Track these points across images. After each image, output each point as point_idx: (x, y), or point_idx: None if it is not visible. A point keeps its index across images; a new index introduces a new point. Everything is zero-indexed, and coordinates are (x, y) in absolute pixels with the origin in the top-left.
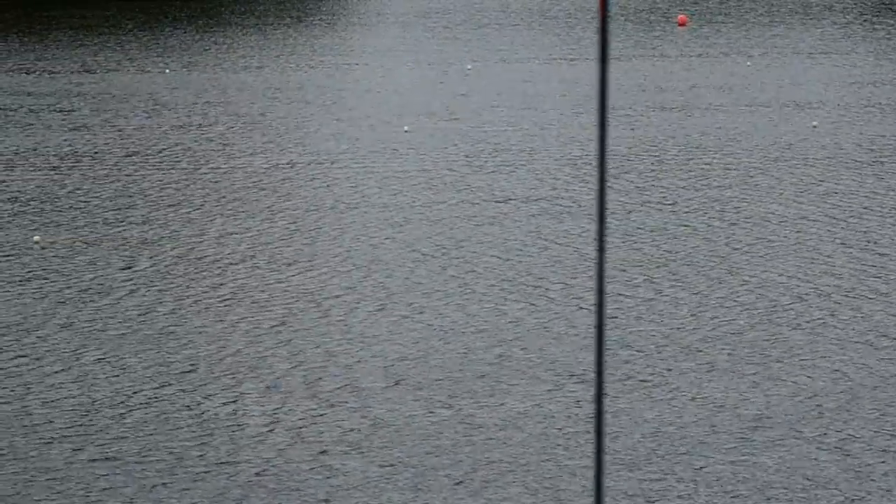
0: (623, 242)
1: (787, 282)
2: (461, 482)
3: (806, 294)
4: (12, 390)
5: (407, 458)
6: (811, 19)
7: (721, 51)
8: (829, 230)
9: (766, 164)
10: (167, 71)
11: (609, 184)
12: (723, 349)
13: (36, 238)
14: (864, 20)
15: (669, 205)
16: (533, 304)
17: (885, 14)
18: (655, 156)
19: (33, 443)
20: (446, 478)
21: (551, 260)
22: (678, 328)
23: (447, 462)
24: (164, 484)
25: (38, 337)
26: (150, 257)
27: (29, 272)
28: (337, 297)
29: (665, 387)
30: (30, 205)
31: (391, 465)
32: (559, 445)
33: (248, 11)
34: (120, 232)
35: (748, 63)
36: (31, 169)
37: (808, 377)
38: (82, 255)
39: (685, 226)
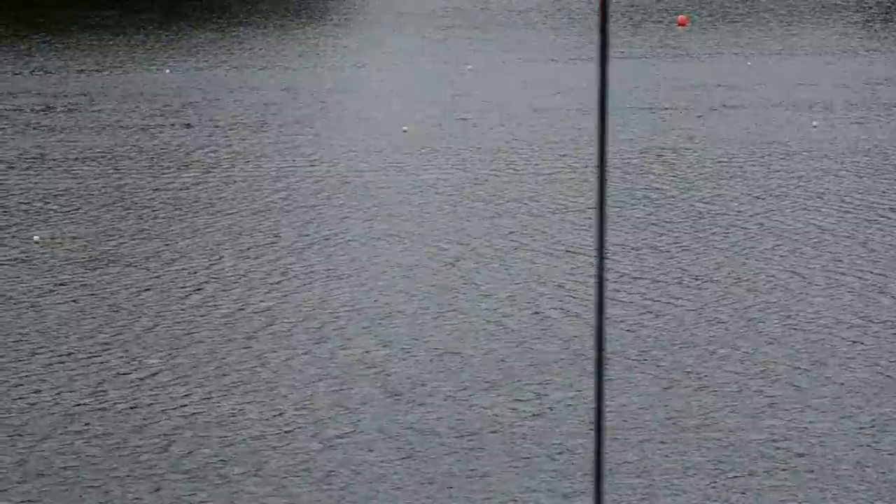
0: (629, 244)
1: (814, 279)
2: (571, 494)
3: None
4: (82, 393)
5: (497, 463)
6: (810, 19)
7: (721, 51)
8: (837, 230)
9: (766, 164)
10: (167, 71)
11: (609, 184)
12: (790, 348)
13: (36, 238)
14: (864, 20)
15: (671, 204)
16: (581, 306)
17: (887, 14)
18: (656, 156)
19: (111, 449)
20: (544, 484)
21: (559, 259)
22: (727, 330)
23: (549, 467)
24: (252, 490)
25: (99, 341)
26: (208, 258)
27: (71, 274)
28: (390, 299)
29: (744, 392)
30: (42, 206)
31: (480, 470)
32: (634, 448)
33: (258, 11)
34: (160, 234)
35: (748, 63)
36: (47, 170)
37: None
38: (121, 259)
39: (685, 225)
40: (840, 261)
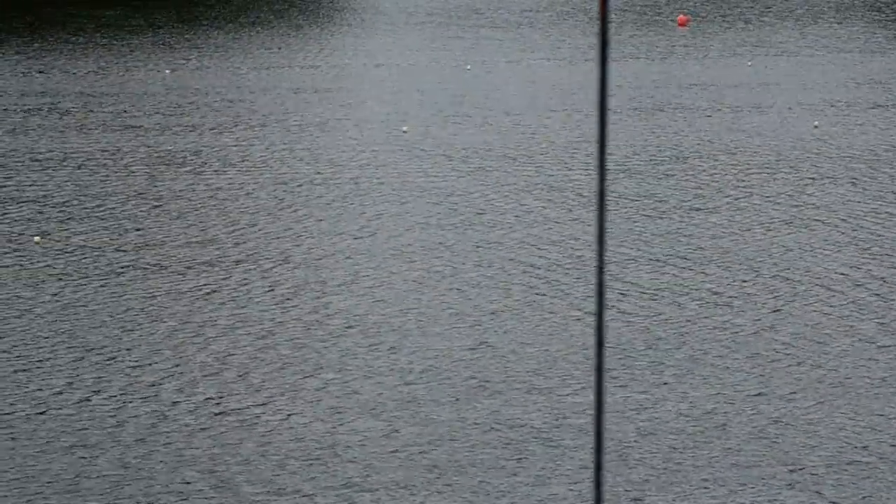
0: (633, 244)
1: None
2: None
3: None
4: (164, 395)
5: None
6: (811, 19)
7: (721, 51)
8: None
9: (766, 164)
10: (168, 71)
11: (609, 184)
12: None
13: (36, 238)
14: (864, 20)
15: (671, 204)
16: (628, 305)
17: (884, 14)
18: (655, 156)
19: (188, 456)
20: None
21: (561, 260)
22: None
23: (642, 470)
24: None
25: (170, 343)
26: (268, 261)
27: (129, 278)
28: (441, 301)
29: (811, 396)
30: (50, 206)
31: (557, 471)
32: (710, 449)
33: (272, 11)
34: (207, 237)
35: (748, 63)
36: (58, 170)
37: None
38: (174, 262)
39: (685, 225)
40: (885, 259)
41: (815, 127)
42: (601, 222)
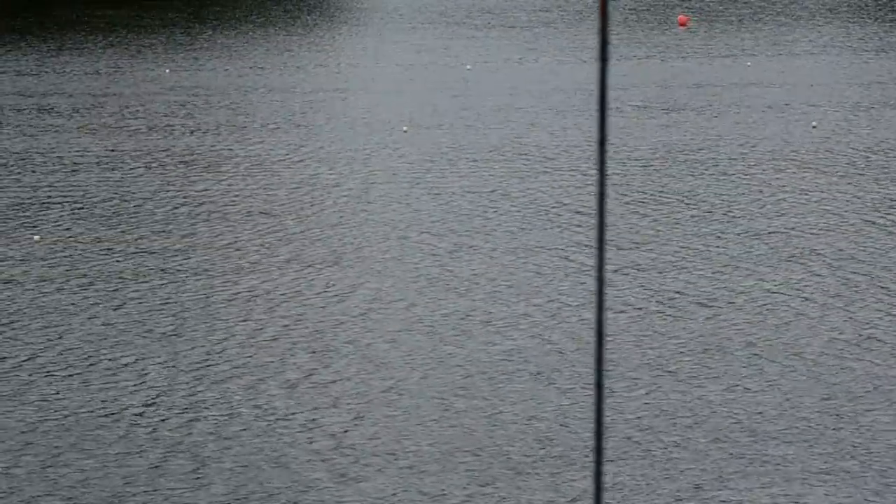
0: (635, 243)
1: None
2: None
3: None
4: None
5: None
6: (811, 19)
7: (721, 51)
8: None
9: (766, 163)
10: (167, 71)
11: (608, 183)
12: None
13: (36, 237)
14: (865, 20)
15: (671, 204)
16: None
17: (885, 13)
18: (655, 156)
19: (273, 459)
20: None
21: (577, 257)
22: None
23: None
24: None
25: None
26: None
27: (195, 280)
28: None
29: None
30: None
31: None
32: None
33: (285, 10)
34: (219, 242)
35: (748, 63)
36: (77, 171)
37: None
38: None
39: (688, 226)
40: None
41: (814, 127)
42: (601, 222)
